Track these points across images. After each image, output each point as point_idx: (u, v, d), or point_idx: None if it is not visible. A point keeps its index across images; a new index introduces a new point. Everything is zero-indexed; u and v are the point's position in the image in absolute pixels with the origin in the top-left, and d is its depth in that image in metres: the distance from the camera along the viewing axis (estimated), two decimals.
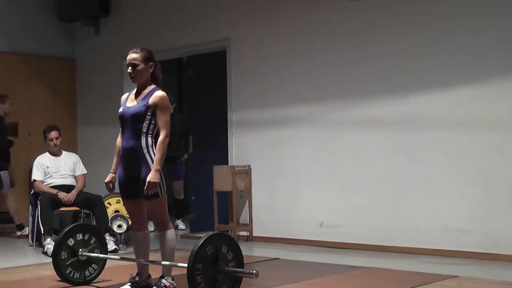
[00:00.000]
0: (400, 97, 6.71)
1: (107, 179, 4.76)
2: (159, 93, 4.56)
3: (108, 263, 5.74)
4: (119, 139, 4.80)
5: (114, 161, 4.79)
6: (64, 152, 7.54)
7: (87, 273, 5.07)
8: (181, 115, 9.71)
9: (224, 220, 7.90)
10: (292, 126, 7.53)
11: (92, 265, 5.10)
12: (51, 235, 6.84)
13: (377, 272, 5.49)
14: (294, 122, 7.52)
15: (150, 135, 4.57)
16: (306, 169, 7.42)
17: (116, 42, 9.45)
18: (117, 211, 7.57)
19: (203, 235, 4.25)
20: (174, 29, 8.75)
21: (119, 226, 7.18)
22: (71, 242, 5.02)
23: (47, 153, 7.46)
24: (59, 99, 9.77)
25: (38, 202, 7.03)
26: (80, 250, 5.01)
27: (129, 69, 4.62)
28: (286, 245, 7.27)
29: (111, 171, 4.78)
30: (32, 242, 7.30)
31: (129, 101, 4.68)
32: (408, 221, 6.62)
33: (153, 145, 4.57)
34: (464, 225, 6.25)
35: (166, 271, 4.59)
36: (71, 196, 7.12)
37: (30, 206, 7.47)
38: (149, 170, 4.46)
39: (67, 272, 4.98)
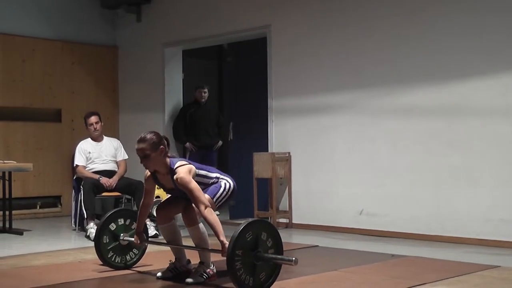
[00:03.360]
0: (441, 84, 6.64)
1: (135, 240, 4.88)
2: (177, 177, 4.45)
3: (149, 248, 5.81)
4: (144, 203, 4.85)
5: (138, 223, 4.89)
6: (105, 138, 7.62)
7: (128, 257, 5.14)
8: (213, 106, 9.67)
9: (264, 207, 7.93)
10: (332, 114, 7.51)
11: (133, 250, 5.16)
12: (93, 220, 6.95)
13: (417, 261, 5.46)
14: (334, 109, 7.49)
15: (210, 181, 4.68)
16: (346, 157, 7.39)
17: (157, 29, 9.51)
18: (157, 196, 7.61)
19: (243, 222, 4.27)
20: (215, 16, 8.76)
21: None
22: (112, 226, 5.08)
23: (89, 138, 7.55)
24: (101, 86, 9.88)
25: (81, 187, 7.13)
26: (122, 235, 5.07)
27: (142, 161, 4.58)
28: (325, 233, 7.27)
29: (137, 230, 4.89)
30: (75, 226, 7.42)
31: (165, 184, 4.67)
32: (448, 210, 6.55)
33: (212, 179, 4.68)
34: (506, 215, 6.16)
35: (204, 258, 4.63)
36: (113, 181, 7.20)
37: (73, 190, 7.58)
38: (218, 186, 4.62)
39: (109, 256, 5.05)
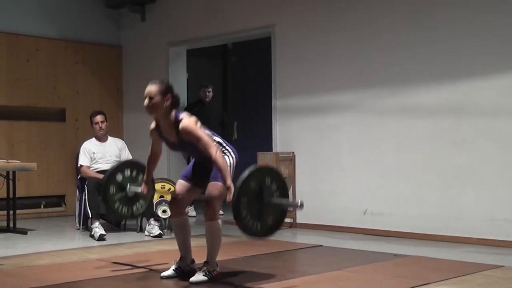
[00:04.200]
0: (446, 83, 6.63)
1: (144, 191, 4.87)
2: (183, 126, 4.44)
3: (152, 248, 5.83)
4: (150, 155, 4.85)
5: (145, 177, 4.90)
6: (110, 138, 7.64)
7: (134, 208, 5.16)
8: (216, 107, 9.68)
9: None
10: (337, 113, 7.50)
11: (140, 201, 5.17)
12: (98, 219, 6.96)
13: (420, 261, 5.45)
14: (338, 109, 7.49)
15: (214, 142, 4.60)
16: (350, 156, 7.39)
17: (161, 29, 9.52)
18: (161, 196, 7.63)
19: (247, 170, 4.21)
20: (219, 16, 8.76)
21: (164, 211, 7.24)
22: (119, 178, 5.10)
23: (93, 138, 7.57)
24: (106, 85, 9.89)
25: (86, 186, 7.14)
26: (128, 185, 5.08)
27: (146, 102, 4.51)
28: (329, 232, 7.27)
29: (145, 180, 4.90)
30: (79, 225, 7.43)
31: (168, 137, 4.63)
32: (452, 210, 6.55)
33: (221, 144, 4.63)
34: (510, 215, 6.15)
35: (211, 257, 4.62)
36: None
37: (77, 190, 7.59)
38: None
39: (116, 206, 5.06)
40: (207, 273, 4.56)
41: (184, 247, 4.79)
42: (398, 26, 7.00)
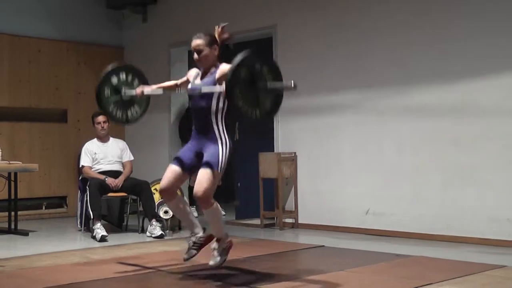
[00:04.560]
0: (448, 84, 6.62)
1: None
2: (225, 66, 4.55)
3: (154, 248, 5.83)
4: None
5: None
6: (111, 139, 7.64)
7: (129, 113, 5.15)
8: None
9: (270, 207, 7.92)
10: (338, 114, 7.49)
11: (135, 106, 5.17)
12: (100, 220, 6.95)
13: (422, 261, 5.44)
14: (340, 109, 7.48)
15: (220, 115, 4.63)
16: (352, 157, 7.38)
17: (163, 30, 9.52)
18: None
19: (235, 59, 4.20)
20: (221, 16, 8.72)
21: (166, 212, 7.24)
22: (114, 80, 5.08)
23: (95, 139, 7.58)
24: None
25: (87, 187, 7.13)
26: (123, 88, 5.08)
27: (195, 55, 4.69)
28: (331, 233, 7.26)
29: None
30: (81, 226, 7.42)
31: (197, 80, 4.74)
32: (454, 210, 6.53)
33: (223, 124, 4.65)
34: None
35: (218, 234, 4.70)
36: (119, 181, 7.21)
37: (79, 191, 7.59)
38: (216, 149, 4.55)
39: (110, 109, 5.07)
40: (222, 251, 4.68)
41: (190, 223, 4.84)
42: (399, 27, 6.99)
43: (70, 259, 5.65)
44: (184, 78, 4.95)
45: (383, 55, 7.12)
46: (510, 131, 6.20)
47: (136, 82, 5.12)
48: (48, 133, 9.27)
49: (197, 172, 4.54)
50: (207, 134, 4.63)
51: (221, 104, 4.62)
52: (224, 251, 4.73)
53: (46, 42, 9.28)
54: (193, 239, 4.79)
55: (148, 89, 5.03)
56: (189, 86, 4.79)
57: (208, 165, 4.51)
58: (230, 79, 4.14)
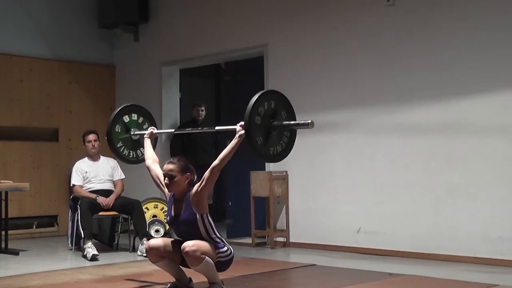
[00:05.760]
0: (440, 102, 6.64)
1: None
2: (194, 189, 4.59)
3: (145, 267, 5.79)
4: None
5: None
6: (102, 157, 7.62)
7: (139, 153, 5.39)
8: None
9: (261, 225, 7.90)
10: (330, 132, 7.50)
11: (141, 149, 5.34)
12: (91, 239, 6.91)
13: (415, 280, 5.43)
14: (331, 128, 7.48)
15: (214, 234, 4.62)
16: (344, 175, 7.38)
17: (154, 49, 9.53)
18: (154, 216, 7.62)
19: (256, 95, 4.35)
20: (212, 36, 8.78)
21: (157, 231, 7.22)
22: (126, 119, 5.28)
23: (85, 158, 7.56)
24: (99, 105, 9.87)
25: (78, 206, 7.10)
26: (133, 129, 5.29)
27: (166, 180, 4.64)
28: (323, 251, 7.24)
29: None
30: (72, 246, 7.38)
31: (173, 211, 4.68)
32: (447, 228, 6.53)
33: (216, 236, 4.63)
34: (505, 233, 6.14)
35: (214, 278, 4.60)
36: (110, 200, 7.19)
37: (70, 210, 7.55)
38: (223, 246, 4.61)
39: (118, 146, 5.25)
40: None
41: (176, 273, 4.78)
42: (391, 44, 7.02)
43: (60, 278, 5.61)
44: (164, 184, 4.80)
45: (375, 73, 7.14)
46: (502, 149, 6.22)
47: (146, 125, 5.34)
48: (39, 152, 9.24)
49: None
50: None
51: (209, 229, 4.59)
52: None
53: (38, 61, 9.27)
54: (177, 283, 4.74)
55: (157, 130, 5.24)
56: (168, 218, 4.75)
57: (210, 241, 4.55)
58: (249, 119, 4.24)
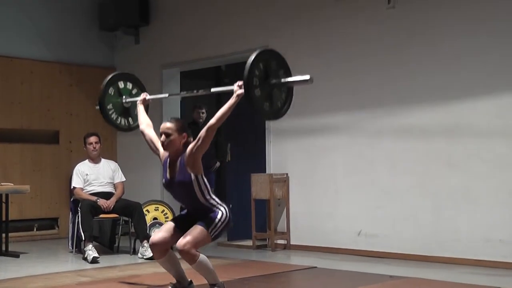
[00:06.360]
0: (440, 105, 6.64)
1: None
2: (189, 148, 4.59)
3: (146, 270, 5.79)
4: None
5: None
6: (103, 160, 7.63)
7: (130, 120, 5.49)
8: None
9: (262, 228, 7.89)
10: (330, 135, 7.50)
11: (134, 116, 5.42)
12: (91, 242, 6.91)
13: (416, 282, 5.43)
14: (332, 130, 7.49)
15: (208, 195, 4.61)
16: (344, 178, 7.38)
17: (155, 51, 9.54)
18: (155, 218, 7.62)
19: (252, 54, 4.45)
20: (213, 38, 8.79)
21: None
22: (121, 85, 5.37)
23: (86, 160, 7.56)
24: None
25: (79, 209, 7.10)
26: (125, 97, 5.37)
27: (162, 138, 4.64)
28: (324, 254, 7.23)
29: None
30: (72, 248, 7.38)
31: (168, 174, 4.67)
32: (448, 231, 6.53)
33: (214, 198, 4.64)
34: (506, 236, 6.14)
35: (214, 279, 4.58)
36: (110, 203, 7.18)
37: (70, 213, 7.55)
38: (215, 215, 4.55)
39: (108, 108, 5.32)
40: None
41: (177, 274, 4.76)
42: (392, 47, 7.02)
43: (61, 281, 5.61)
44: (158, 147, 4.85)
45: (375, 76, 7.14)
46: (501, 152, 6.22)
47: (139, 96, 5.34)
48: (40, 155, 9.24)
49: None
50: (202, 213, 4.59)
51: (204, 190, 4.58)
52: None
53: (38, 63, 9.28)
54: (177, 285, 4.71)
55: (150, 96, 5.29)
56: (163, 180, 4.73)
57: (201, 223, 4.51)
58: (249, 69, 4.30)
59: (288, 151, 7.88)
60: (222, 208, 4.63)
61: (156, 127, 4.94)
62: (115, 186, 7.51)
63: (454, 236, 6.47)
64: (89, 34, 9.82)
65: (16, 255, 7.25)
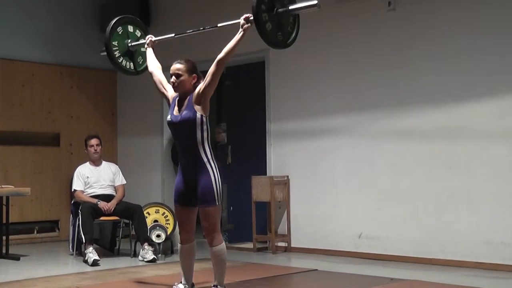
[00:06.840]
0: (440, 107, 6.64)
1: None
2: (198, 87, 4.63)
3: (147, 272, 5.78)
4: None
5: None
6: (104, 162, 7.63)
7: (136, 64, 5.62)
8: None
9: (262, 230, 7.89)
10: (331, 137, 7.50)
11: (139, 58, 5.57)
12: (92, 244, 6.91)
13: (417, 285, 5.42)
14: (332, 132, 7.48)
15: (207, 143, 4.57)
16: (345, 180, 7.37)
17: (156, 53, 9.49)
18: (156, 220, 7.61)
19: None
20: (213, 40, 8.76)
21: (158, 236, 7.21)
22: (130, 28, 5.47)
23: (87, 163, 7.56)
24: (100, 110, 9.89)
25: (79, 211, 7.10)
26: (130, 40, 5.46)
27: (172, 79, 4.66)
28: (324, 256, 7.23)
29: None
30: (73, 251, 7.37)
31: (175, 111, 4.66)
32: (448, 233, 6.52)
33: (211, 153, 4.59)
34: (507, 238, 6.13)
35: (220, 280, 4.59)
36: (111, 205, 7.18)
37: (71, 215, 7.54)
38: (209, 179, 4.49)
39: (112, 46, 5.44)
40: None
41: (189, 272, 4.77)
42: (392, 49, 7.02)
43: (62, 284, 5.60)
44: (167, 88, 4.88)
45: (376, 78, 7.14)
46: (502, 154, 6.22)
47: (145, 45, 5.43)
48: (41, 157, 9.24)
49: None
50: (196, 166, 4.55)
51: (205, 133, 4.57)
52: None
53: (39, 66, 9.28)
54: (179, 287, 4.74)
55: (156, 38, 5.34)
56: (169, 117, 4.71)
57: (206, 203, 4.50)
58: (256, 12, 4.41)
59: (288, 153, 7.88)
60: (212, 165, 4.56)
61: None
62: (115, 188, 7.51)
63: (455, 239, 6.46)
64: (90, 37, 9.81)
65: (16, 257, 7.25)
